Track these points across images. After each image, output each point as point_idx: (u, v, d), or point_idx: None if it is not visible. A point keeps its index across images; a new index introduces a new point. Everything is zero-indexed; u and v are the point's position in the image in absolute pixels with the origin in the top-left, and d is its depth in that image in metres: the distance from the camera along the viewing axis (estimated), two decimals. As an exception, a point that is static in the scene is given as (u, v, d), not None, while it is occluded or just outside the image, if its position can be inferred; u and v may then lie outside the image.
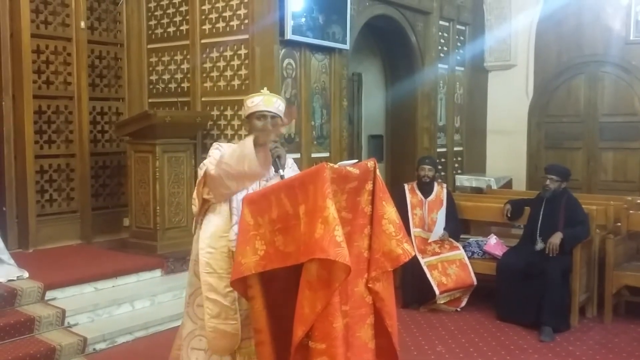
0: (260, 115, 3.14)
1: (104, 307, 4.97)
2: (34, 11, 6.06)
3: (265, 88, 3.32)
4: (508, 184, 8.55)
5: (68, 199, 6.43)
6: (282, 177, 2.97)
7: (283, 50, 6.12)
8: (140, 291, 5.30)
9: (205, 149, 6.16)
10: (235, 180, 2.95)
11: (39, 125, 6.15)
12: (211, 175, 2.96)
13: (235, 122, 6.11)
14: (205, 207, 3.09)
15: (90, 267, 5.44)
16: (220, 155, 3.03)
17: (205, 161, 3.11)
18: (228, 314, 2.97)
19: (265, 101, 3.16)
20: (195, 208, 3.13)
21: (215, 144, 3.24)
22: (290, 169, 3.20)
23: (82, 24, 6.40)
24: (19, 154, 5.98)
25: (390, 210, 2.87)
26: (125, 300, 5.12)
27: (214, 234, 3.01)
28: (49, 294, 4.83)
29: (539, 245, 5.38)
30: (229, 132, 6.14)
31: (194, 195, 3.12)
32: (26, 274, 4.92)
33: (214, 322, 2.98)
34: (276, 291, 2.86)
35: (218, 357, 3.07)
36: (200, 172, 3.08)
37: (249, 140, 2.97)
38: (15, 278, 4.83)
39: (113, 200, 6.84)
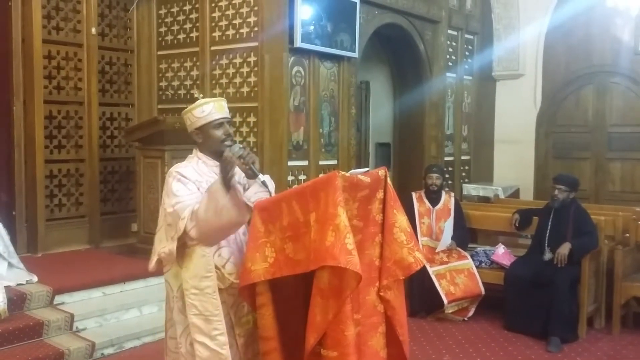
0: (217, 123, 2.87)
1: (112, 312, 5.00)
2: (46, 17, 6.12)
3: (201, 95, 3.08)
4: (515, 194, 8.53)
5: (77, 203, 6.46)
6: (263, 182, 2.76)
7: (292, 58, 6.14)
8: (149, 296, 5.31)
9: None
10: (222, 231, 2.73)
11: (49, 130, 6.19)
12: (192, 237, 2.70)
13: (244, 129, 6.14)
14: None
15: (99, 272, 5.47)
16: (192, 211, 2.69)
17: (175, 207, 2.74)
18: (219, 357, 2.79)
19: (218, 107, 2.89)
20: (169, 260, 2.83)
21: (173, 173, 2.83)
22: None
23: (93, 30, 6.46)
24: (29, 159, 6.02)
25: (401, 219, 2.87)
26: (133, 306, 5.14)
27: (197, 275, 2.79)
28: (58, 299, 4.86)
29: (547, 256, 5.37)
30: (237, 138, 6.15)
31: (170, 248, 2.75)
32: (35, 278, 4.95)
33: None
34: (284, 299, 2.85)
35: None
36: (170, 219, 2.75)
37: (216, 187, 2.66)
38: (24, 282, 4.86)
39: (121, 205, 6.88)
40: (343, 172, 2.74)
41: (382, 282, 2.81)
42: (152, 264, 2.92)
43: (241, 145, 2.83)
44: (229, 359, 2.80)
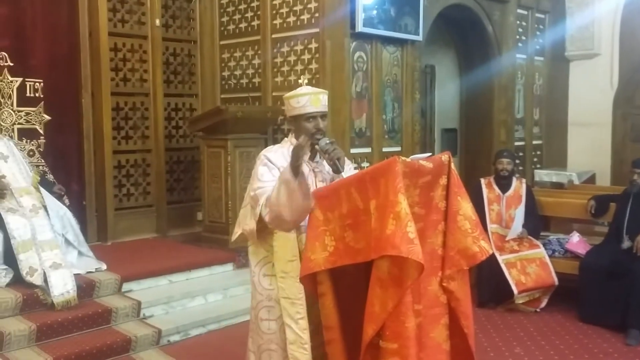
0: (310, 117, 2.93)
1: (178, 300, 5.05)
2: (111, 10, 6.23)
3: (305, 81, 3.10)
4: (591, 179, 8.18)
5: (144, 193, 6.60)
6: None
7: (354, 44, 6.05)
8: (213, 284, 5.36)
9: (277, 144, 6.16)
10: (292, 216, 2.69)
11: (116, 121, 6.33)
12: (266, 222, 2.76)
13: (306, 117, 6.08)
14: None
15: (165, 260, 5.55)
16: (267, 197, 2.75)
17: (257, 191, 2.83)
18: (300, 342, 2.87)
19: (313, 101, 2.93)
20: (250, 241, 2.96)
21: (262, 157, 2.94)
22: (349, 170, 3.05)
23: (157, 22, 6.54)
24: (98, 150, 6.18)
25: (465, 206, 2.76)
26: (198, 293, 5.19)
27: (283, 258, 2.89)
28: (126, 286, 4.95)
29: (626, 244, 5.14)
30: (300, 126, 6.10)
31: (250, 227, 2.88)
32: (104, 266, 5.06)
33: (292, 348, 2.88)
34: (345, 288, 2.80)
35: None
36: (253, 202, 2.84)
37: (286, 172, 2.68)
38: (93, 270, 4.97)
39: (187, 194, 6.98)
40: (403, 158, 2.64)
41: (445, 272, 2.71)
42: (235, 236, 3.06)
43: (328, 140, 2.88)
44: (308, 344, 2.86)
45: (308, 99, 2.93)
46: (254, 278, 3.03)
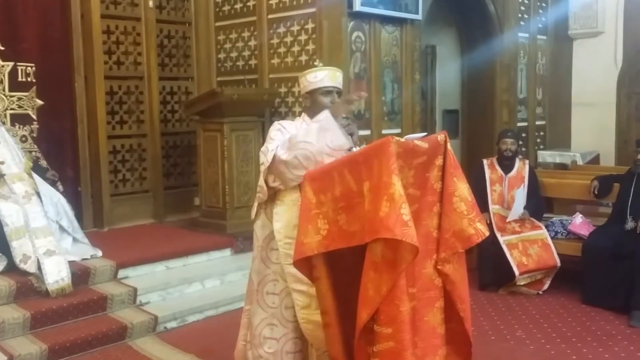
0: (326, 91, 3.02)
1: (175, 286, 5.00)
2: (104, -9, 6.12)
3: (320, 62, 3.20)
4: (595, 160, 8.08)
5: (140, 178, 6.52)
6: None
7: (352, 23, 5.92)
8: (211, 270, 5.31)
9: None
10: (313, 160, 2.78)
11: (110, 105, 6.24)
12: (283, 161, 2.80)
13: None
14: (273, 194, 2.95)
15: (162, 246, 5.49)
16: (289, 137, 2.86)
17: (267, 145, 2.92)
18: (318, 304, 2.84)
19: (331, 76, 3.04)
20: (262, 197, 2.99)
21: (276, 124, 3.07)
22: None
23: (151, 3, 6.42)
24: (92, 135, 6.09)
25: (461, 187, 2.68)
26: (195, 279, 5.14)
27: (288, 224, 2.87)
28: (122, 273, 4.90)
29: (630, 225, 5.07)
30: (297, 109, 6.01)
31: (260, 183, 2.97)
32: (99, 253, 5.01)
33: (305, 312, 2.86)
34: (342, 271, 2.74)
35: (292, 344, 2.98)
36: (264, 157, 2.90)
37: (325, 115, 2.82)
38: (89, 257, 4.92)
39: (184, 179, 6.90)
40: (397, 138, 2.56)
41: (440, 254, 2.65)
42: (253, 213, 3.11)
43: (344, 115, 2.92)
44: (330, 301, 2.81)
45: (326, 74, 3.04)
46: (262, 253, 3.04)
